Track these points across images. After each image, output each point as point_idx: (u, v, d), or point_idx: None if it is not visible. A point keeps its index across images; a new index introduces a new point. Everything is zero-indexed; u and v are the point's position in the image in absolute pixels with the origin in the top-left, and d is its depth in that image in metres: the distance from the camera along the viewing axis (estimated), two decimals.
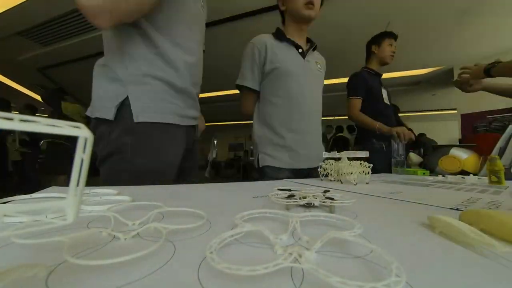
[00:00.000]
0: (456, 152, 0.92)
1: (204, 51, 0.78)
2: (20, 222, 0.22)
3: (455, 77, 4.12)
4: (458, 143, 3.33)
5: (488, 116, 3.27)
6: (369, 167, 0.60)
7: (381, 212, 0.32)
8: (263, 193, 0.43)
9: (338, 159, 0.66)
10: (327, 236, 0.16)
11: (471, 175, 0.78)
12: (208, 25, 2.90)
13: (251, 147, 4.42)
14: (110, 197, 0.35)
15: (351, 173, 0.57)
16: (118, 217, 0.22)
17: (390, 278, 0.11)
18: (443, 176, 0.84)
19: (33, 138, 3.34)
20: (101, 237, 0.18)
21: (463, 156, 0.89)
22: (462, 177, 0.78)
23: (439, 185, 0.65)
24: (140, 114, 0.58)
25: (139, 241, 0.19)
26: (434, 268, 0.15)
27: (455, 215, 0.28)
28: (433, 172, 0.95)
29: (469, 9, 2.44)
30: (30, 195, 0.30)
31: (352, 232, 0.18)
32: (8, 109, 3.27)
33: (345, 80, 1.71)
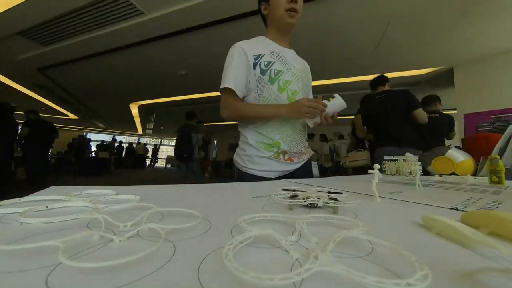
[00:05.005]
0: (452, 153, 0.91)
1: None
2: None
3: (455, 78, 4.07)
4: (459, 143, 3.33)
5: (491, 116, 3.27)
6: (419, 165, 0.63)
7: (381, 212, 0.32)
8: (262, 193, 0.43)
9: (395, 160, 0.81)
10: (339, 236, 0.16)
11: (469, 175, 0.78)
12: (208, 25, 2.87)
13: None
14: (114, 196, 0.35)
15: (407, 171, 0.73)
16: (108, 219, 0.22)
17: (416, 272, 0.12)
18: (440, 175, 0.85)
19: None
20: (96, 239, 0.18)
21: (459, 158, 0.89)
22: (462, 177, 0.78)
23: (439, 185, 0.65)
24: None
25: (135, 242, 0.19)
26: (433, 268, 0.15)
27: (455, 215, 0.28)
28: (424, 171, 0.95)
29: (469, 9, 2.43)
30: (19, 199, 0.30)
31: (360, 230, 0.18)
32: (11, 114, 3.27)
33: (345, 80, 1.74)
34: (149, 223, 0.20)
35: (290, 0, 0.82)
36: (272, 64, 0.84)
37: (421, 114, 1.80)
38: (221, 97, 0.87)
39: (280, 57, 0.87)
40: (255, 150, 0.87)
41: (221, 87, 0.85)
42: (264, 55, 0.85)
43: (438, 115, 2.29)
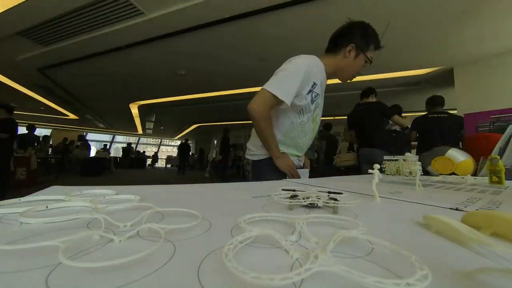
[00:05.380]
0: (453, 153, 0.91)
1: None
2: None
3: (455, 78, 4.10)
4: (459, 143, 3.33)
5: (491, 116, 3.26)
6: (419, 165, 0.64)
7: (381, 212, 0.32)
8: (262, 193, 0.43)
9: (395, 160, 0.84)
10: (339, 236, 0.16)
11: (469, 175, 0.78)
12: (208, 25, 2.87)
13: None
14: (115, 196, 0.35)
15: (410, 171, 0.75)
16: (108, 219, 0.22)
17: (416, 272, 0.12)
18: (438, 175, 0.85)
19: None
20: (96, 239, 0.18)
21: (459, 158, 0.89)
22: (462, 177, 0.78)
23: (439, 185, 0.65)
24: None
25: (135, 242, 0.19)
26: (433, 268, 0.15)
27: (455, 215, 0.28)
28: (424, 171, 0.95)
29: (468, 9, 2.43)
30: (19, 199, 0.30)
31: (360, 230, 0.18)
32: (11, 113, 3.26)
33: None
34: (149, 223, 0.20)
35: (363, 67, 0.94)
36: (318, 97, 0.93)
37: (397, 120, 2.23)
38: (264, 93, 0.84)
39: (323, 90, 0.96)
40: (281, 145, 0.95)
41: (271, 90, 0.82)
42: (317, 85, 0.90)
43: (446, 115, 2.42)
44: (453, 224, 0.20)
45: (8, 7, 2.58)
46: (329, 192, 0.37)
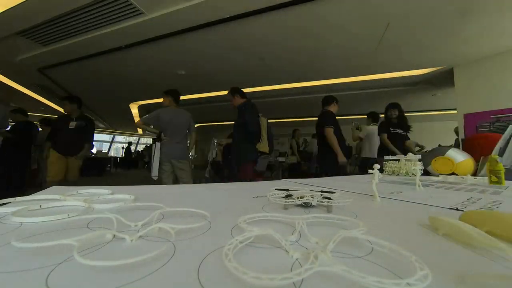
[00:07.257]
0: (452, 153, 0.91)
1: None
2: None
3: (455, 78, 4.10)
4: (459, 143, 3.33)
5: (491, 116, 3.27)
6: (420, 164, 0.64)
7: (381, 212, 0.32)
8: (262, 193, 0.43)
9: (397, 160, 0.85)
10: (339, 236, 0.16)
11: (469, 175, 0.78)
12: (208, 25, 2.87)
13: None
14: (112, 196, 0.35)
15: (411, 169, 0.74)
16: (120, 218, 0.22)
17: (416, 272, 0.12)
18: (438, 176, 0.85)
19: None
20: (107, 238, 0.18)
21: (459, 158, 0.89)
22: (462, 177, 0.78)
23: (439, 185, 0.65)
24: None
25: (144, 242, 0.19)
26: (435, 269, 0.15)
27: (455, 215, 0.28)
28: (425, 171, 0.95)
29: (469, 9, 2.43)
30: (14, 198, 0.30)
31: (360, 230, 0.18)
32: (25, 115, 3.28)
33: (345, 80, 1.75)
34: (148, 224, 0.20)
35: None
36: None
37: (325, 131, 2.27)
38: None
39: None
40: None
41: None
42: None
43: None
44: (466, 229, 0.19)
45: (8, 7, 2.58)
46: (322, 192, 0.37)
